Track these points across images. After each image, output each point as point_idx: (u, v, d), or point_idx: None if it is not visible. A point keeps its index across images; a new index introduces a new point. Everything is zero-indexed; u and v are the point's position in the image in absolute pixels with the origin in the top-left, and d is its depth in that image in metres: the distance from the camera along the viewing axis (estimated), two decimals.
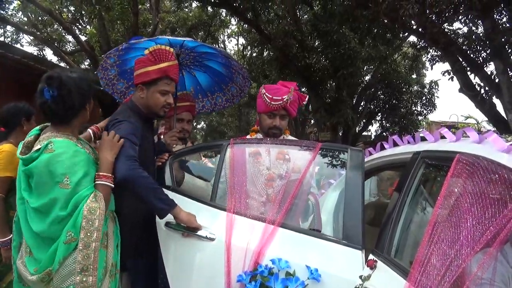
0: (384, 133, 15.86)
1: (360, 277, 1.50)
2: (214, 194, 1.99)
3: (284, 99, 2.21)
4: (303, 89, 16.81)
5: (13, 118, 2.71)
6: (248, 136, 2.39)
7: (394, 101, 15.01)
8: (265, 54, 14.45)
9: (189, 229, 1.85)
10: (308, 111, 17.35)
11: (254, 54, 16.86)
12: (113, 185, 1.68)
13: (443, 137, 1.68)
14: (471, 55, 7.64)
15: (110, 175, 1.68)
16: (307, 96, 2.64)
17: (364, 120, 16.62)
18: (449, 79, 7.61)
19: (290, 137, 2.39)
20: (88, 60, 16.12)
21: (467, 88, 7.31)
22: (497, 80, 6.86)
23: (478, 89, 7.30)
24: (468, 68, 7.34)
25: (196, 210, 1.93)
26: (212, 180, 2.14)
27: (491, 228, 1.06)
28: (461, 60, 7.23)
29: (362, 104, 15.63)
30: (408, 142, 1.97)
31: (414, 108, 15.10)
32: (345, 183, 1.81)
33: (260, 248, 1.72)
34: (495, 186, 1.13)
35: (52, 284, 1.56)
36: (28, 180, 1.63)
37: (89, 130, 2.18)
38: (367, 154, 2.50)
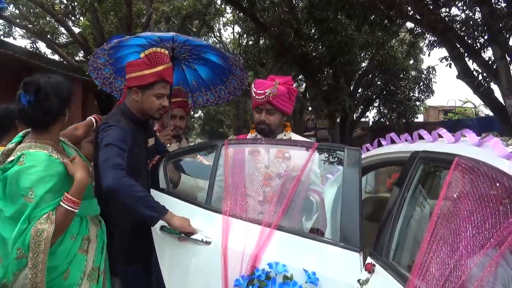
0: (382, 119, 15.85)
1: (358, 281, 1.49)
2: (209, 197, 1.95)
3: (267, 93, 2.13)
4: (299, 77, 16.80)
5: (5, 121, 2.67)
6: (249, 134, 2.33)
7: (391, 87, 14.98)
8: (261, 42, 14.31)
9: (184, 233, 1.82)
10: (305, 99, 17.29)
11: (250, 43, 16.71)
12: (76, 211, 1.63)
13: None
14: (469, 41, 7.57)
15: (77, 200, 1.63)
16: (297, 91, 2.61)
17: (361, 107, 16.58)
18: (446, 66, 7.54)
19: (293, 134, 2.32)
20: (82, 52, 15.93)
21: (465, 74, 7.24)
22: (495, 66, 6.80)
23: (476, 75, 7.25)
24: (466, 54, 7.27)
25: (191, 213, 1.90)
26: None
27: (492, 239, 1.03)
28: (458, 46, 7.15)
29: (359, 91, 15.57)
30: (406, 140, 1.94)
31: (411, 94, 15.07)
32: (342, 183, 1.78)
33: (257, 252, 1.69)
34: (495, 193, 1.10)
35: None
36: (3, 188, 1.63)
37: (91, 118, 2.18)
38: (364, 150, 2.47)
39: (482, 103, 11.75)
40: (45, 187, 1.58)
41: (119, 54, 2.77)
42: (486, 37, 7.52)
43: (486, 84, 7.17)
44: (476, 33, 7.76)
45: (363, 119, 18.73)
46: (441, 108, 21.88)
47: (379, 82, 15.60)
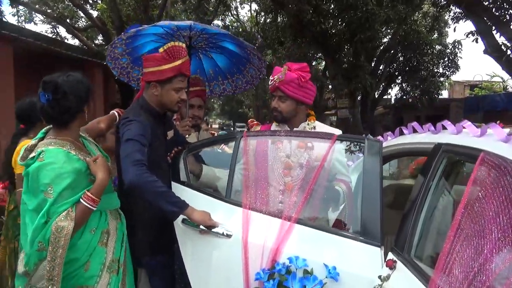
0: (404, 97, 15.45)
1: (379, 277, 1.48)
2: (229, 189, 1.96)
3: (275, 79, 2.14)
4: (319, 55, 16.48)
5: (31, 114, 2.74)
6: (273, 124, 2.32)
7: (414, 63, 14.50)
8: (279, 20, 14.01)
9: (206, 227, 1.85)
10: (325, 77, 17.00)
11: (268, 21, 16.41)
12: (94, 209, 1.71)
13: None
14: (497, 13, 7.21)
15: (96, 199, 1.70)
16: (310, 75, 2.58)
17: (383, 84, 16.20)
18: (473, 41, 7.23)
19: (318, 123, 2.27)
20: (101, 36, 16.04)
21: (492, 49, 6.95)
22: None
23: (504, 49, 6.93)
24: (493, 28, 6.94)
25: (212, 206, 1.92)
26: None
27: None
28: (486, 19, 6.83)
29: (381, 67, 15.16)
30: (429, 130, 1.88)
31: (436, 70, 14.56)
32: (362, 175, 1.75)
33: (277, 246, 1.71)
34: None
35: (31, 282, 1.68)
36: (27, 182, 1.70)
37: (114, 112, 2.23)
38: (386, 138, 2.42)
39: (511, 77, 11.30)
40: (63, 183, 1.64)
41: (136, 44, 2.77)
42: None
43: None
44: (505, 4, 7.37)
45: (385, 97, 18.31)
46: (466, 83, 21.15)
47: (401, 58, 15.11)
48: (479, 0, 6.83)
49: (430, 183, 1.58)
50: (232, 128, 42.27)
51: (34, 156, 1.67)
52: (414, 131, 2.08)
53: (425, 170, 1.63)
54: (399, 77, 15.70)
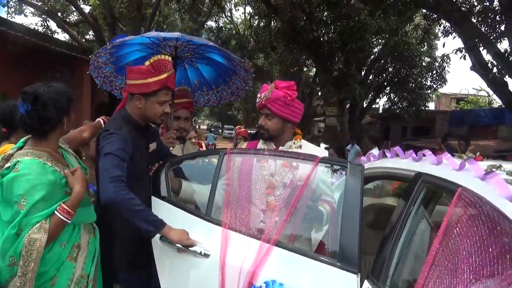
0: (392, 107, 15.62)
1: None
2: (210, 207, 1.95)
3: (261, 96, 2.15)
4: (310, 62, 16.55)
5: (14, 119, 2.67)
6: (260, 142, 2.29)
7: (403, 74, 14.69)
8: (272, 25, 14.06)
9: (183, 245, 1.82)
10: (315, 84, 17.09)
11: (262, 25, 16.44)
12: (69, 222, 1.68)
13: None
14: (485, 30, 7.35)
15: (72, 211, 1.68)
16: (297, 94, 2.62)
17: (372, 93, 16.36)
18: (460, 58, 7.35)
19: (304, 142, 2.26)
20: (92, 32, 15.87)
21: (479, 66, 7.07)
22: (510, 59, 6.61)
23: (491, 67, 7.06)
24: (481, 45, 7.07)
25: (191, 223, 1.91)
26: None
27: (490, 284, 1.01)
28: (474, 36, 6.94)
29: (370, 77, 15.32)
30: (410, 157, 1.90)
31: (424, 82, 14.78)
32: (343, 201, 1.75)
33: (255, 268, 1.69)
34: (495, 238, 1.07)
35: None
36: (1, 192, 1.67)
37: (100, 120, 2.23)
38: (369, 159, 2.44)
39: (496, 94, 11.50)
40: (37, 195, 1.61)
41: (121, 53, 2.75)
42: (503, 27, 7.29)
43: (500, 77, 7.00)
44: (493, 23, 7.52)
45: (373, 106, 18.51)
46: (453, 96, 21.48)
47: (391, 69, 15.31)
48: (468, 18, 6.95)
49: (409, 211, 1.59)
50: (220, 130, 42.17)
51: (9, 166, 1.64)
52: (397, 155, 2.09)
53: (405, 199, 1.64)
54: (388, 88, 15.88)
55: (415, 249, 1.61)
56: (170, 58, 2.08)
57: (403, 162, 1.93)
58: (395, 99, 15.48)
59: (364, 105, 15.64)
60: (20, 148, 1.77)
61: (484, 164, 1.49)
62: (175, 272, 1.89)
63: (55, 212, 1.64)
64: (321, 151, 2.28)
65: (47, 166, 1.69)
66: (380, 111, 18.38)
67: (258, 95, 2.19)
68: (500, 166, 1.32)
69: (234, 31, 21.49)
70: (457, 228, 1.22)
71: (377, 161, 2.30)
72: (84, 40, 15.60)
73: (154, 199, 2.07)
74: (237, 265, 1.72)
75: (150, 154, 2.18)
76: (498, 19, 7.31)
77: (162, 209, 2.00)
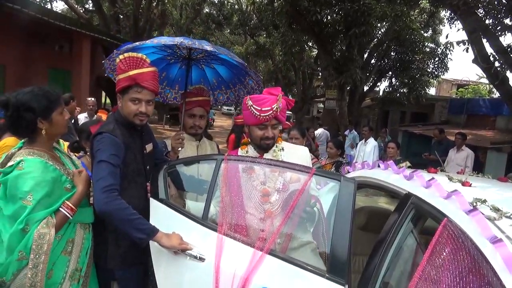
0: (393, 92, 15.54)
1: None
2: (206, 212, 2.01)
3: (274, 108, 2.11)
4: (311, 44, 16.35)
5: None
6: (239, 150, 2.33)
7: (406, 59, 14.55)
8: (276, 4, 13.79)
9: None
10: (316, 64, 16.94)
11: (265, 1, 16.11)
12: (71, 217, 1.84)
13: None
14: (489, 22, 7.27)
15: (75, 208, 1.85)
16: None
17: (373, 77, 16.27)
18: (463, 50, 7.30)
19: (284, 143, 2.34)
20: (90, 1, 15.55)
21: (482, 59, 7.03)
22: None
23: (492, 60, 7.03)
24: (484, 38, 7.00)
25: (187, 227, 1.97)
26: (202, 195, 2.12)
27: None
28: (479, 29, 6.88)
29: (372, 62, 15.19)
30: (402, 174, 1.96)
31: (425, 69, 14.67)
32: (335, 214, 1.81)
33: (247, 275, 1.77)
34: (473, 276, 1.14)
35: None
36: (4, 189, 1.78)
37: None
38: (362, 166, 2.50)
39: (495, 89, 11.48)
40: (42, 191, 1.75)
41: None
42: (508, 20, 7.22)
43: (501, 72, 6.99)
44: (499, 15, 7.42)
45: (374, 89, 18.42)
46: (454, 82, 21.39)
47: (393, 54, 15.16)
48: (474, 12, 6.86)
49: (397, 230, 1.67)
50: (219, 107, 41.85)
51: (12, 165, 1.76)
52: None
53: (394, 219, 1.71)
54: (390, 72, 15.78)
55: (402, 266, 1.69)
56: (144, 57, 2.06)
57: (395, 178, 1.99)
58: (396, 83, 15.40)
59: (365, 90, 15.59)
60: (20, 148, 1.89)
61: (472, 192, 1.55)
62: (171, 273, 1.96)
63: (60, 208, 1.80)
64: (302, 149, 2.37)
65: (48, 165, 1.84)
66: (381, 94, 18.31)
67: (264, 108, 2.11)
68: (485, 201, 1.38)
69: (236, 6, 21.10)
70: (439, 259, 1.29)
71: (371, 170, 2.36)
72: (83, 11, 15.28)
73: (152, 201, 2.11)
74: (231, 270, 1.80)
75: (146, 155, 2.20)
76: (503, 13, 7.22)
77: (159, 212, 2.07)
